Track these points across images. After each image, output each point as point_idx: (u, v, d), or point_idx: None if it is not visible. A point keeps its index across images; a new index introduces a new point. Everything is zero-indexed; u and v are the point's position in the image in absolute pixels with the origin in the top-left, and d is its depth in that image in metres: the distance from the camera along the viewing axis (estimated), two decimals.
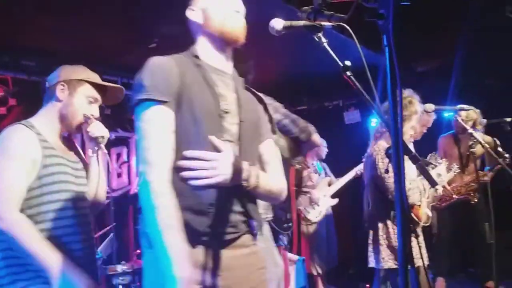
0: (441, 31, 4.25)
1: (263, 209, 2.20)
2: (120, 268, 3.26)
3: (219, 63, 1.54)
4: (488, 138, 3.12)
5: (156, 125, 1.33)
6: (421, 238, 2.69)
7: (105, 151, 1.96)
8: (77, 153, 1.97)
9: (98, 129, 1.88)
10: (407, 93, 2.76)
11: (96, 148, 1.92)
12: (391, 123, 0.87)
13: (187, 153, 1.34)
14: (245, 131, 1.49)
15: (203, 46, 1.54)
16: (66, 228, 1.75)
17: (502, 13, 3.98)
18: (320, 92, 5.89)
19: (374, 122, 4.61)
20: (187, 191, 1.33)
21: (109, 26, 3.44)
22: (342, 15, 1.17)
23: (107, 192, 4.31)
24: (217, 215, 1.35)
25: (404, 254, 0.84)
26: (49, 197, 1.72)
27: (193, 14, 1.55)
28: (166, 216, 1.24)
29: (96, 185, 1.94)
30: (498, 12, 3.98)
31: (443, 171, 2.84)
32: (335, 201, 4.74)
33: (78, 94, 1.87)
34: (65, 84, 1.86)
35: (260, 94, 1.77)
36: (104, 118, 4.24)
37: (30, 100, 3.81)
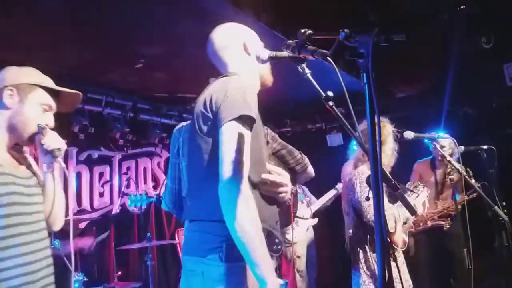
0: (420, 58, 4.40)
1: None
2: None
3: None
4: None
5: (248, 144, 1.46)
6: (399, 262, 2.73)
7: (63, 165, 1.70)
8: (29, 166, 1.71)
9: (54, 141, 1.64)
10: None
11: (52, 162, 1.68)
12: (370, 159, 0.91)
13: (269, 176, 1.59)
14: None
15: (252, 79, 1.72)
16: (14, 259, 1.52)
17: (479, 44, 4.16)
18: (303, 115, 5.98)
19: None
20: (265, 207, 1.55)
21: (94, 44, 3.47)
22: (324, 51, 1.23)
23: (87, 212, 4.32)
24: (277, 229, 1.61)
25: (383, 281, 0.88)
26: None
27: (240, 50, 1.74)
28: (261, 231, 1.39)
29: (51, 205, 1.71)
30: (474, 43, 4.16)
31: (422, 199, 2.91)
32: (315, 220, 4.76)
33: (30, 101, 1.63)
34: (13, 89, 1.62)
35: None
36: (88, 137, 4.30)
37: None
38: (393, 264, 2.64)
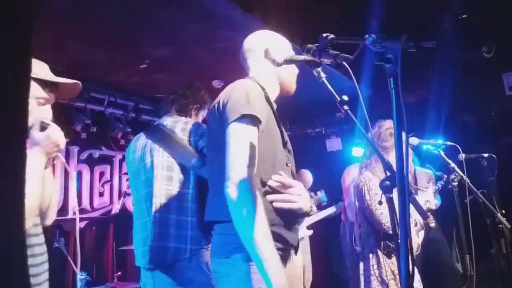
0: (420, 66, 4.43)
1: None
2: None
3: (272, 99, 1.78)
4: None
5: (254, 143, 1.47)
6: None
7: (63, 159, 1.66)
8: None
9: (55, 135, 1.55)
10: (388, 124, 2.75)
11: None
12: (396, 161, 0.93)
13: (277, 177, 1.55)
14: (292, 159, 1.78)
15: (269, 83, 1.76)
16: None
17: (479, 53, 4.20)
18: (303, 119, 6.01)
19: (355, 150, 4.73)
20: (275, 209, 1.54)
21: (99, 44, 3.46)
22: (347, 55, 1.24)
23: (87, 211, 4.31)
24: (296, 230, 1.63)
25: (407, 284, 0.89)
26: None
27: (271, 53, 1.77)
28: (268, 233, 1.39)
29: (45, 200, 1.59)
30: (475, 52, 4.21)
31: (430, 196, 2.94)
32: (310, 232, 4.77)
33: None
34: None
35: None
36: (89, 136, 4.28)
37: None
38: None
